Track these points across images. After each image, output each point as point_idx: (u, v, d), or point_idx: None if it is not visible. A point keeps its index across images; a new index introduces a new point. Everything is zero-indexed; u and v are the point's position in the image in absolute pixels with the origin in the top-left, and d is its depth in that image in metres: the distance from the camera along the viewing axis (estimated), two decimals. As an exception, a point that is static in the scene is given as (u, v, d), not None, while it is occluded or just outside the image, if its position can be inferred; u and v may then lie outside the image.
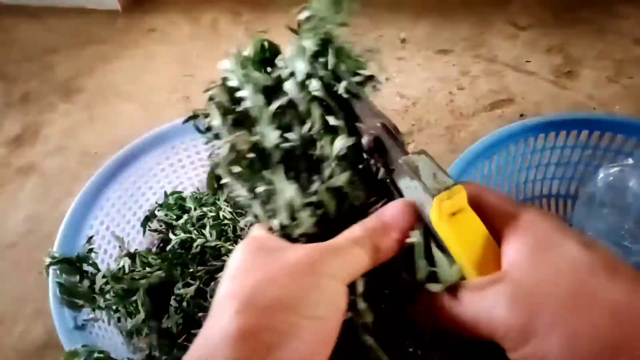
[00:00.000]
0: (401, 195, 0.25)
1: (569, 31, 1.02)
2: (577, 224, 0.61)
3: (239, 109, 0.29)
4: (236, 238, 0.60)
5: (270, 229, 0.27)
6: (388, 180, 0.26)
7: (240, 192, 0.28)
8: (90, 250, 0.54)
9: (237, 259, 0.23)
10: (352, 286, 0.23)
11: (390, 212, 0.24)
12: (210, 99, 0.30)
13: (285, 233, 0.26)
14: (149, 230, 0.65)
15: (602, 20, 1.04)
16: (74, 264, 0.51)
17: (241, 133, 0.28)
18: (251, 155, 0.28)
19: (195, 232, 0.61)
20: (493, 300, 0.20)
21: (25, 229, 0.76)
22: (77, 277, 0.51)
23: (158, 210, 0.65)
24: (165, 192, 0.67)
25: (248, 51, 0.29)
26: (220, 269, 0.56)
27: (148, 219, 0.65)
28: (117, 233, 0.60)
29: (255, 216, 0.28)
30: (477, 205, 0.23)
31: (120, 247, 0.60)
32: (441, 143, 0.82)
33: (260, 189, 0.27)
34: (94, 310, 0.50)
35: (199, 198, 0.66)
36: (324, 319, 0.21)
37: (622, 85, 0.89)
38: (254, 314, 0.20)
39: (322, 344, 0.20)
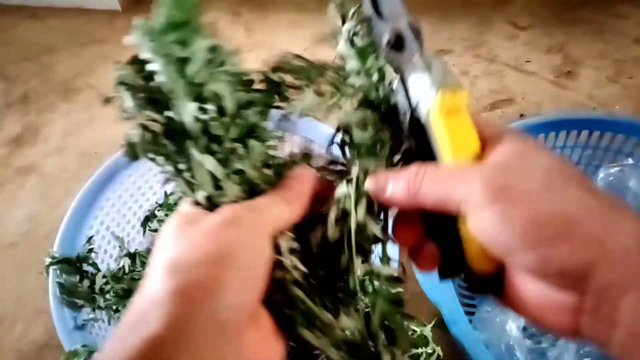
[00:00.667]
0: (407, 96, 0.26)
1: (569, 31, 1.02)
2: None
3: (152, 84, 0.27)
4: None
5: (197, 203, 0.27)
6: (397, 82, 0.26)
7: (165, 168, 0.28)
8: (90, 250, 0.54)
9: (163, 235, 0.24)
10: (278, 246, 0.24)
11: (300, 172, 0.27)
12: (120, 82, 0.28)
13: (213, 204, 0.26)
14: (149, 230, 0.65)
15: (602, 20, 1.04)
16: (74, 264, 0.51)
17: (148, 114, 0.26)
18: (164, 139, 0.26)
19: (195, 232, 0.61)
20: (471, 177, 0.22)
21: (25, 229, 0.76)
22: (77, 277, 0.51)
23: (158, 210, 0.65)
24: (165, 192, 0.67)
25: (158, 19, 0.27)
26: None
27: (148, 219, 0.65)
28: (117, 233, 0.60)
29: (183, 192, 0.28)
30: None
31: (120, 247, 0.59)
32: (441, 143, 0.82)
33: (182, 165, 0.27)
34: (94, 310, 0.50)
35: (199, 198, 0.66)
36: (248, 268, 0.22)
37: (622, 85, 0.89)
38: (180, 275, 0.21)
39: (249, 291, 0.22)
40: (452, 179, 0.22)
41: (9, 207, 0.80)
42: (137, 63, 0.28)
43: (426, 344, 0.43)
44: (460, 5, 1.13)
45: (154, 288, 0.21)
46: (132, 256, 0.58)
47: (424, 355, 0.42)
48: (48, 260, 0.50)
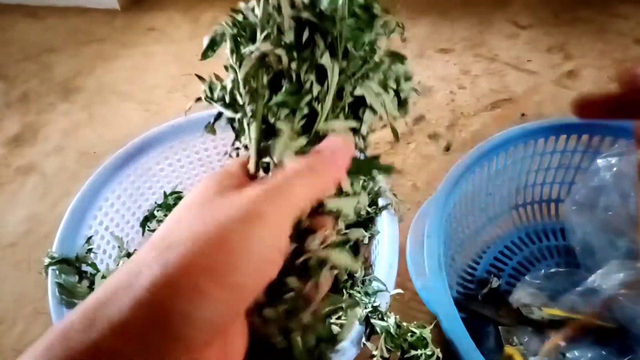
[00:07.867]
0: None
1: (569, 30, 1.02)
2: (572, 223, 0.61)
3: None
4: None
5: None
6: None
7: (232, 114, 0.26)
8: (89, 250, 0.54)
9: (190, 195, 0.22)
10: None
11: (334, 140, 0.23)
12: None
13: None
14: (148, 230, 0.65)
15: (603, 20, 1.03)
16: (73, 264, 0.51)
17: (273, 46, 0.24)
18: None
19: (194, 232, 0.61)
20: None
21: (25, 229, 0.76)
22: (76, 278, 0.51)
23: (157, 211, 0.65)
24: (165, 192, 0.67)
25: None
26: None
27: (147, 219, 0.65)
28: (116, 233, 0.60)
29: (245, 147, 0.25)
30: None
31: (119, 247, 0.59)
32: (442, 143, 0.82)
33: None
34: (93, 311, 0.50)
35: (198, 198, 0.66)
36: (245, 285, 0.19)
37: (623, 84, 0.89)
38: (173, 274, 0.18)
39: (236, 309, 0.19)
40: None
41: (8, 207, 0.80)
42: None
43: (425, 346, 0.43)
44: (461, 5, 1.13)
45: (144, 276, 0.18)
46: (131, 256, 0.58)
47: (424, 357, 0.42)
48: (47, 260, 0.50)
